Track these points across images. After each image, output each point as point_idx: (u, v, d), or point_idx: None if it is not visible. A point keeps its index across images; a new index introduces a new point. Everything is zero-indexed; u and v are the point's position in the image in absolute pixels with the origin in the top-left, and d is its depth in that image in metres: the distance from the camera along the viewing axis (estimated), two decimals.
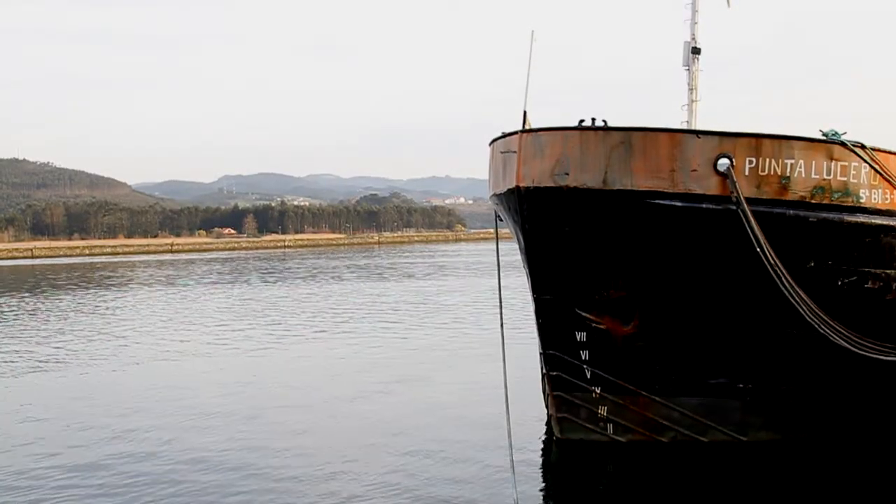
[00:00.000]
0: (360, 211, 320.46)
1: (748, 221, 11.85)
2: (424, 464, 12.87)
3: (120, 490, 11.88)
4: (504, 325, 14.55)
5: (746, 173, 11.99)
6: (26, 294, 52.05)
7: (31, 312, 39.38)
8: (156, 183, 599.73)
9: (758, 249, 11.93)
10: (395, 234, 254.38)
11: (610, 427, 13.25)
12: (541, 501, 11.53)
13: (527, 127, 12.37)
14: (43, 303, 44.84)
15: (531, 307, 13.80)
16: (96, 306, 42.08)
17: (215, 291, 51.03)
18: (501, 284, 15.54)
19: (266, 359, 23.74)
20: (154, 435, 14.86)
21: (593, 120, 12.31)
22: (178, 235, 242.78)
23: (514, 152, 12.40)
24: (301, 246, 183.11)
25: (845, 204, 12.39)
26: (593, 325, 12.96)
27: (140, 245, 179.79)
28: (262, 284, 56.96)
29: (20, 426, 15.86)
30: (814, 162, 12.17)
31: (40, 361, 23.86)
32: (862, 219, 12.50)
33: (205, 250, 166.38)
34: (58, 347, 26.65)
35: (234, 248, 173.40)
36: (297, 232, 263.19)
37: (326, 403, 17.41)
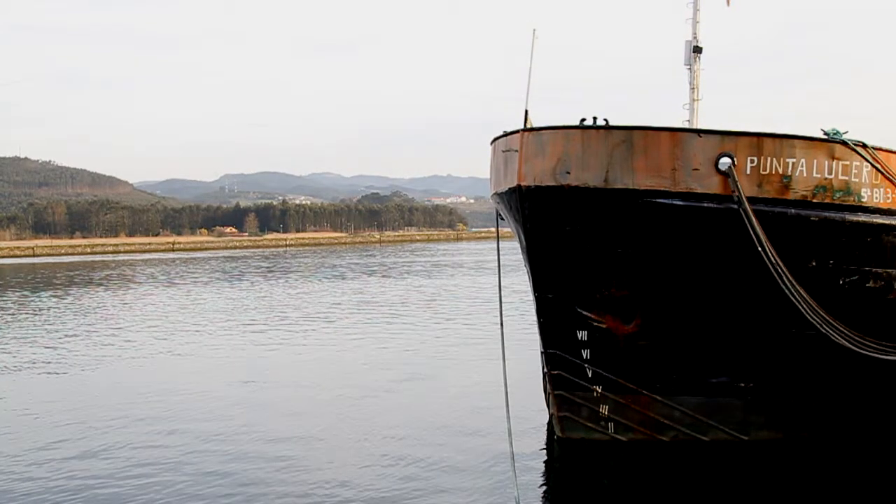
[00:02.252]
0: (361, 210, 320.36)
1: (749, 221, 11.85)
2: (425, 462, 12.87)
3: (122, 484, 11.92)
4: (504, 324, 14.55)
5: (748, 172, 11.99)
6: (28, 293, 52.09)
7: (34, 312, 39.42)
8: (157, 181, 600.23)
9: (759, 249, 11.93)
10: (397, 233, 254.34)
11: (611, 426, 13.26)
12: (542, 500, 11.54)
13: (528, 126, 12.37)
14: (45, 301, 44.86)
15: (532, 306, 13.81)
16: (98, 305, 42.11)
17: (217, 290, 51.06)
18: (502, 283, 15.54)
19: (269, 358, 23.75)
20: (156, 431, 14.90)
21: (595, 119, 12.31)
22: (179, 234, 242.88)
23: (516, 151, 12.41)
24: (302, 245, 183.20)
25: (847, 203, 12.38)
26: (595, 323, 12.97)
27: (141, 244, 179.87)
28: (263, 283, 56.99)
29: (23, 420, 15.90)
30: (815, 161, 12.17)
31: (44, 359, 23.90)
32: (863, 218, 12.49)
33: (206, 249, 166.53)
34: (60, 346, 26.69)
35: (235, 247, 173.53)
36: (298, 231, 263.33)
37: (331, 400, 17.42)
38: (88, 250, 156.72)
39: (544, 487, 12.03)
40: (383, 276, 61.37)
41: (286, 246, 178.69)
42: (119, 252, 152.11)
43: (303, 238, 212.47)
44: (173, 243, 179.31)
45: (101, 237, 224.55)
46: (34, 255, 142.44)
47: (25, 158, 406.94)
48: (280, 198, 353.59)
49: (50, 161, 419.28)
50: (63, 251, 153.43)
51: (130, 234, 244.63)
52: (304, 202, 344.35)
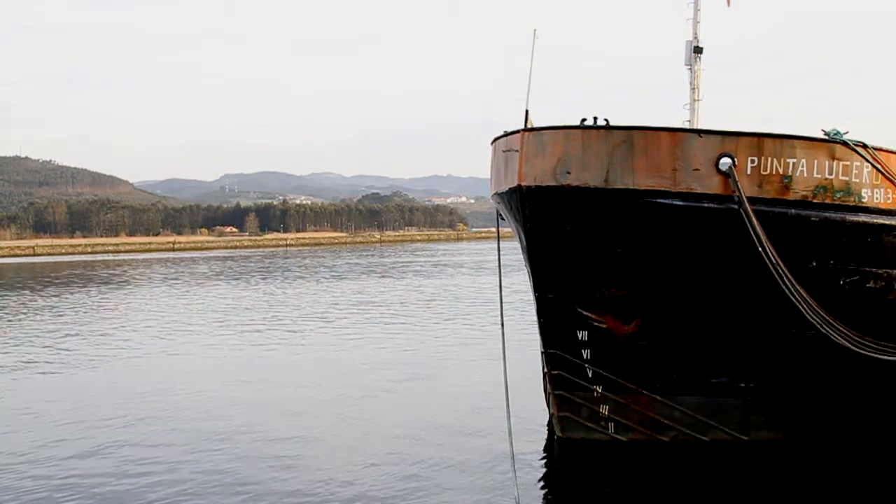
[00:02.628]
0: (361, 210, 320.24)
1: (750, 221, 11.85)
2: (425, 462, 12.86)
3: (120, 483, 11.92)
4: (504, 324, 14.54)
5: (748, 173, 11.99)
6: (28, 292, 52.08)
7: (34, 311, 39.40)
8: (157, 181, 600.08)
9: (759, 249, 11.93)
10: (397, 233, 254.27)
11: (611, 426, 13.26)
12: (542, 500, 11.53)
13: (528, 126, 12.37)
14: (45, 301, 44.84)
15: (533, 306, 13.80)
16: (99, 305, 42.10)
17: (216, 290, 51.04)
18: (502, 283, 15.54)
19: (267, 357, 23.74)
20: (154, 430, 14.91)
21: (595, 119, 12.31)
22: (179, 234, 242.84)
23: (516, 151, 12.41)
24: (303, 244, 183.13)
25: (847, 203, 12.38)
26: (595, 323, 12.96)
27: (142, 243, 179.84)
28: (262, 283, 56.97)
29: (22, 419, 15.89)
30: (815, 161, 12.16)
31: (43, 359, 23.90)
32: (864, 218, 12.49)
33: (206, 249, 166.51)
34: (59, 345, 26.67)
35: (235, 247, 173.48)
36: (298, 230, 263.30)
37: (330, 400, 17.40)
38: (89, 250, 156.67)
39: (544, 488, 12.01)
40: (383, 276, 61.32)
41: (286, 245, 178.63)
42: (119, 252, 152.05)
43: (303, 238, 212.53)
44: (173, 243, 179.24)
45: (101, 237, 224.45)
46: (34, 255, 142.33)
47: (26, 158, 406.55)
48: (280, 197, 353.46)
49: (50, 160, 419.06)
50: (63, 251, 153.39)
51: (131, 234, 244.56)
52: (304, 202, 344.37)
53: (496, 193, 13.74)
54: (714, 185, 11.99)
